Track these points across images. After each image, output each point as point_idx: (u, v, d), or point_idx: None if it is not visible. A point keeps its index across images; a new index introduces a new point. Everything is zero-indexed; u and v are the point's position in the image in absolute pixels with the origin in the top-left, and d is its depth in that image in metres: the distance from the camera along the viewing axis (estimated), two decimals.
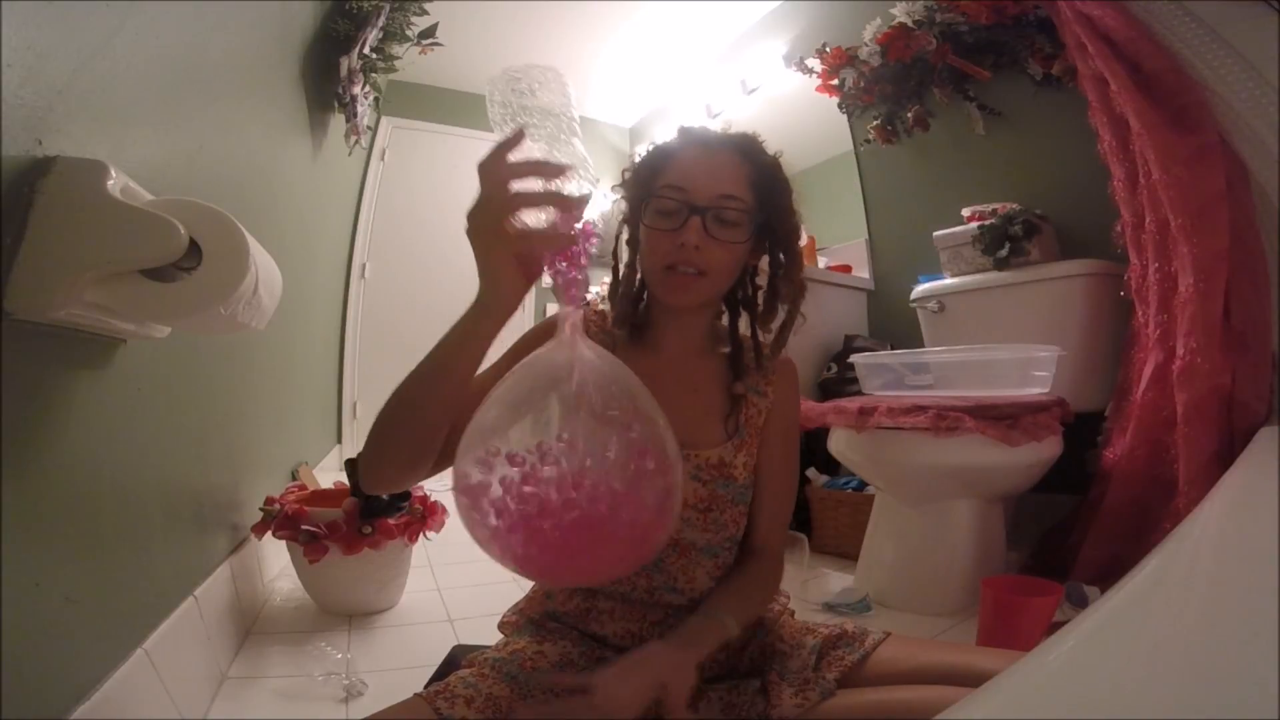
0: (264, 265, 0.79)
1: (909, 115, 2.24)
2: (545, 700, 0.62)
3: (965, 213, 1.94)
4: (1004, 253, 1.78)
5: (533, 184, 0.50)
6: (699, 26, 3.13)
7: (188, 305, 0.67)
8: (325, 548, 1.36)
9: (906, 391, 1.69)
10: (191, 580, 1.08)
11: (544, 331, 0.52)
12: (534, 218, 0.51)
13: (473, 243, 0.51)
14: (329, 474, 2.23)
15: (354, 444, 3.28)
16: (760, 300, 0.77)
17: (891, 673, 0.66)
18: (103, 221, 0.61)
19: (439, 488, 1.90)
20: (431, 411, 0.56)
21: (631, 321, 0.78)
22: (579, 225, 0.50)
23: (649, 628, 0.71)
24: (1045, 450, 1.43)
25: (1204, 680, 0.39)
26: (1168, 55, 1.33)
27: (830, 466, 2.01)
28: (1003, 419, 1.38)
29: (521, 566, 0.51)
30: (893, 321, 2.33)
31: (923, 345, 2.02)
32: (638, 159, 0.76)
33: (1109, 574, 1.35)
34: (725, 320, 0.80)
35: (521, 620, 0.75)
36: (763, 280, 0.77)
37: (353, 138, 2.45)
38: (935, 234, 1.97)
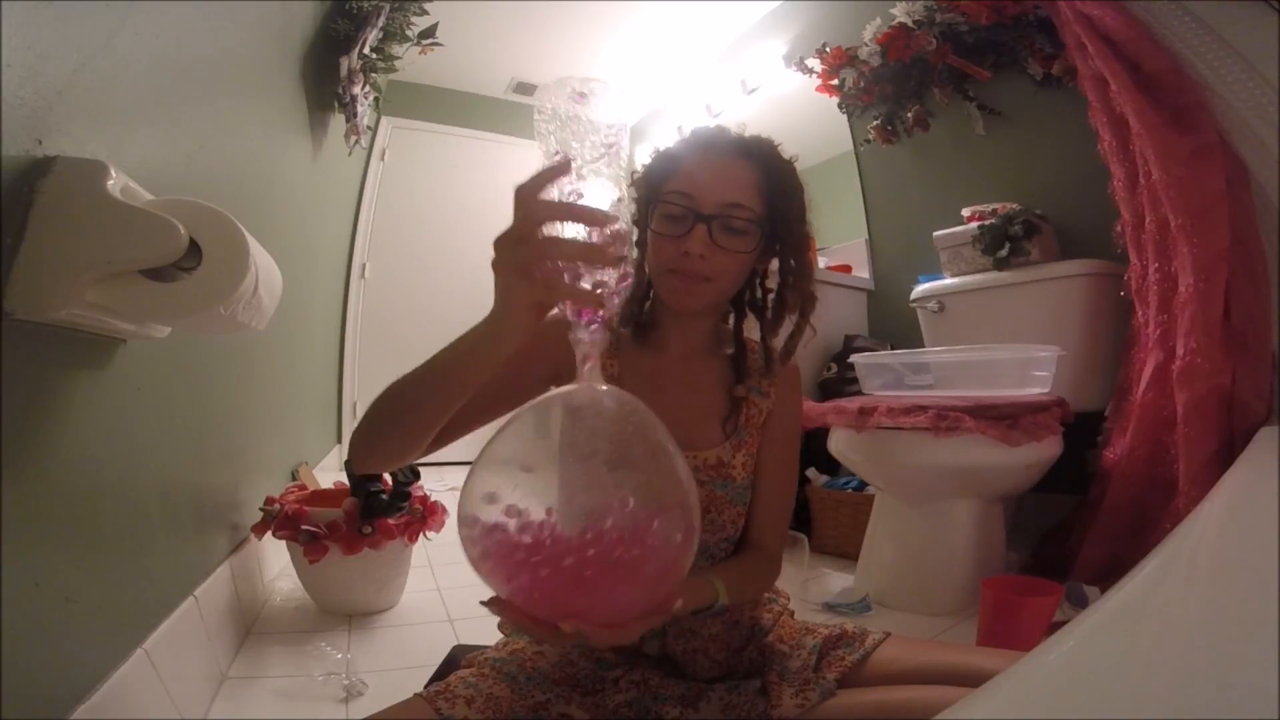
0: (264, 265, 0.79)
1: (909, 115, 2.24)
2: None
3: (965, 213, 1.94)
4: (1004, 253, 1.78)
5: (571, 228, 0.46)
6: (699, 26, 3.13)
7: (188, 305, 0.67)
8: (325, 548, 1.36)
9: (906, 391, 1.69)
10: (191, 580, 1.08)
11: (549, 329, 0.50)
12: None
13: (495, 274, 0.47)
14: (329, 474, 2.23)
15: None
16: (770, 305, 0.76)
17: (891, 673, 0.66)
18: (103, 221, 0.61)
19: (439, 487, 1.91)
20: (427, 414, 0.55)
21: (636, 320, 0.78)
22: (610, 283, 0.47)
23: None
24: (1045, 450, 1.43)
25: (1204, 680, 0.39)
26: (1168, 55, 1.33)
27: (830, 466, 2.01)
28: (1003, 419, 1.38)
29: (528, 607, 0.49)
30: (893, 321, 2.33)
31: (923, 345, 2.02)
32: (650, 158, 0.75)
33: (1109, 574, 1.35)
34: (731, 322, 0.80)
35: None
36: (774, 284, 0.76)
37: (353, 138, 2.45)
38: (935, 234, 1.97)
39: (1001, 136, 2.05)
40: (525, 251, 0.45)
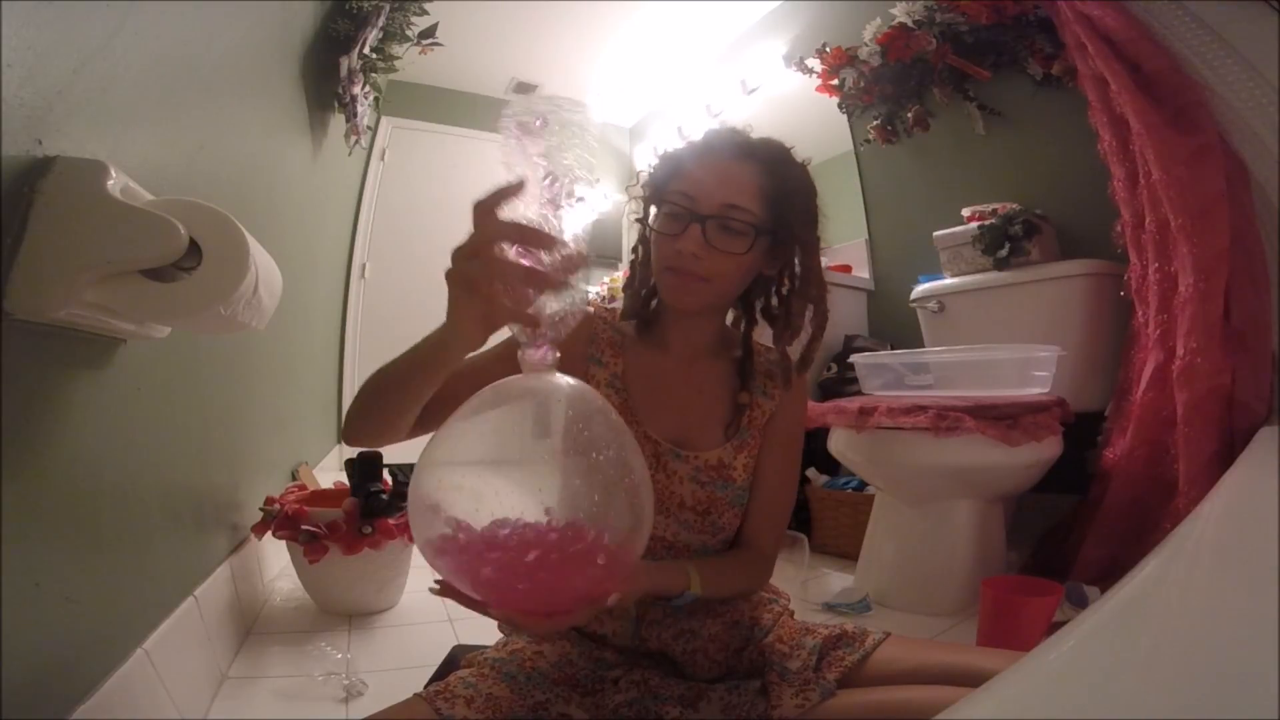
0: (264, 265, 0.79)
1: (909, 115, 2.24)
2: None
3: (965, 213, 1.94)
4: (1004, 253, 1.78)
5: (517, 254, 0.47)
6: (699, 26, 3.13)
7: (188, 305, 0.67)
8: (325, 548, 1.36)
9: (906, 391, 1.69)
10: (191, 580, 1.08)
11: None
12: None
13: (448, 284, 0.49)
14: (329, 474, 2.23)
15: None
16: (783, 314, 0.76)
17: (892, 673, 0.66)
18: (103, 221, 0.61)
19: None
20: (398, 406, 0.59)
21: (640, 317, 0.78)
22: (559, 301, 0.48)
23: (647, 627, 0.71)
24: (1045, 450, 1.43)
25: (1204, 680, 0.39)
26: (1168, 55, 1.33)
27: (830, 466, 2.01)
28: (1003, 419, 1.38)
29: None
30: (893, 321, 2.33)
31: (923, 345, 2.02)
32: (658, 159, 0.76)
33: (1109, 574, 1.35)
34: (743, 326, 0.80)
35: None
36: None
37: (353, 138, 2.45)
38: (935, 234, 1.97)
39: (1001, 136, 2.05)
40: (475, 267, 0.47)
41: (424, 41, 2.25)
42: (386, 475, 1.57)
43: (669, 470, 0.73)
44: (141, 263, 0.63)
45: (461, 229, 0.49)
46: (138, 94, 0.81)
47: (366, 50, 2.04)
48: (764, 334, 0.79)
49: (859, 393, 1.80)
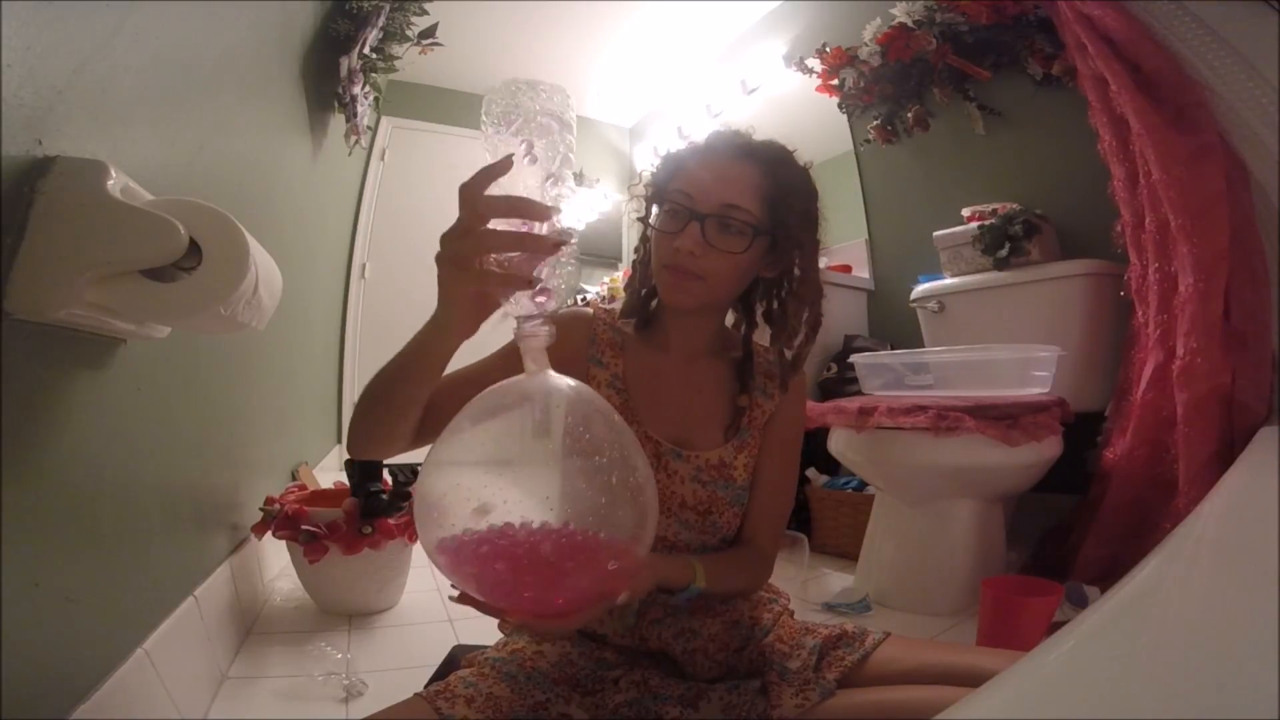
0: (264, 265, 0.79)
1: (909, 115, 2.24)
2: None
3: (965, 213, 1.94)
4: (1004, 253, 1.78)
5: (512, 223, 0.48)
6: (699, 26, 3.13)
7: (188, 305, 0.67)
8: (325, 548, 1.36)
9: (906, 391, 1.69)
10: (191, 580, 1.08)
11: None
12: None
13: (438, 267, 0.50)
14: (329, 474, 2.23)
15: None
16: (781, 316, 0.76)
17: (891, 673, 0.66)
18: (103, 221, 0.61)
19: None
20: (399, 405, 0.59)
21: (640, 315, 0.79)
22: (553, 263, 0.49)
23: (648, 626, 0.71)
24: (1045, 450, 1.43)
25: (1204, 680, 0.39)
26: (1168, 55, 1.33)
27: (830, 466, 2.01)
28: (1003, 419, 1.38)
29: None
30: (893, 321, 2.33)
31: (923, 345, 2.02)
32: (659, 159, 0.77)
33: (1109, 574, 1.35)
34: (744, 328, 0.80)
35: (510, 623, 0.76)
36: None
37: (353, 138, 2.45)
38: (935, 234, 1.97)
39: (1001, 136, 2.05)
40: (467, 244, 0.48)
41: (424, 41, 2.25)
42: (386, 475, 1.57)
43: (670, 470, 0.73)
44: (141, 263, 0.63)
45: None
46: (138, 94, 0.81)
47: (366, 50, 2.04)
48: (765, 334, 0.80)
49: (859, 393, 1.80)
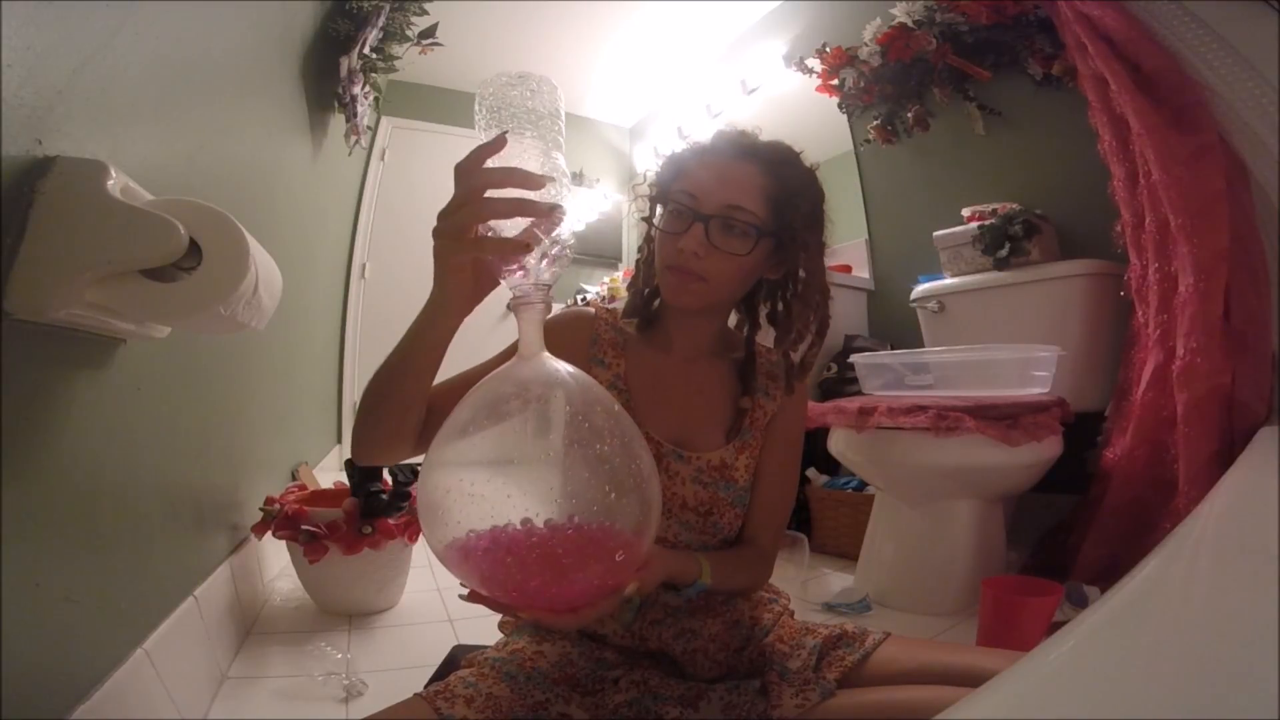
0: (264, 265, 0.79)
1: (909, 115, 2.24)
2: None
3: (965, 213, 1.94)
4: (1004, 253, 1.78)
5: (508, 192, 0.49)
6: (699, 26, 3.13)
7: (188, 305, 0.67)
8: (325, 548, 1.36)
9: (906, 391, 1.69)
10: (191, 580, 1.08)
11: (549, 336, 0.52)
12: (504, 225, 0.50)
13: (434, 241, 0.51)
14: (329, 474, 2.23)
15: None
16: (786, 318, 0.76)
17: (892, 673, 0.66)
18: (103, 221, 0.61)
19: None
20: (402, 397, 0.59)
21: (642, 315, 0.78)
22: (549, 236, 0.49)
23: (648, 626, 0.71)
24: (1045, 450, 1.43)
25: (1204, 680, 0.39)
26: (1167, 55, 1.33)
27: (830, 466, 2.01)
28: (1003, 419, 1.38)
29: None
30: (893, 321, 2.33)
31: (923, 345, 2.02)
32: (663, 160, 0.77)
33: (1109, 574, 1.35)
34: (746, 329, 0.80)
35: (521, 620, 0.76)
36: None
37: (353, 138, 2.45)
38: (935, 234, 1.97)
39: (1001, 136, 2.05)
40: (464, 214, 0.48)
41: (424, 41, 2.25)
42: (386, 475, 1.57)
43: (671, 471, 0.73)
44: (141, 263, 0.63)
45: None
46: (138, 94, 0.81)
47: (366, 50, 2.04)
48: (766, 335, 0.79)
49: (859, 393, 1.80)
